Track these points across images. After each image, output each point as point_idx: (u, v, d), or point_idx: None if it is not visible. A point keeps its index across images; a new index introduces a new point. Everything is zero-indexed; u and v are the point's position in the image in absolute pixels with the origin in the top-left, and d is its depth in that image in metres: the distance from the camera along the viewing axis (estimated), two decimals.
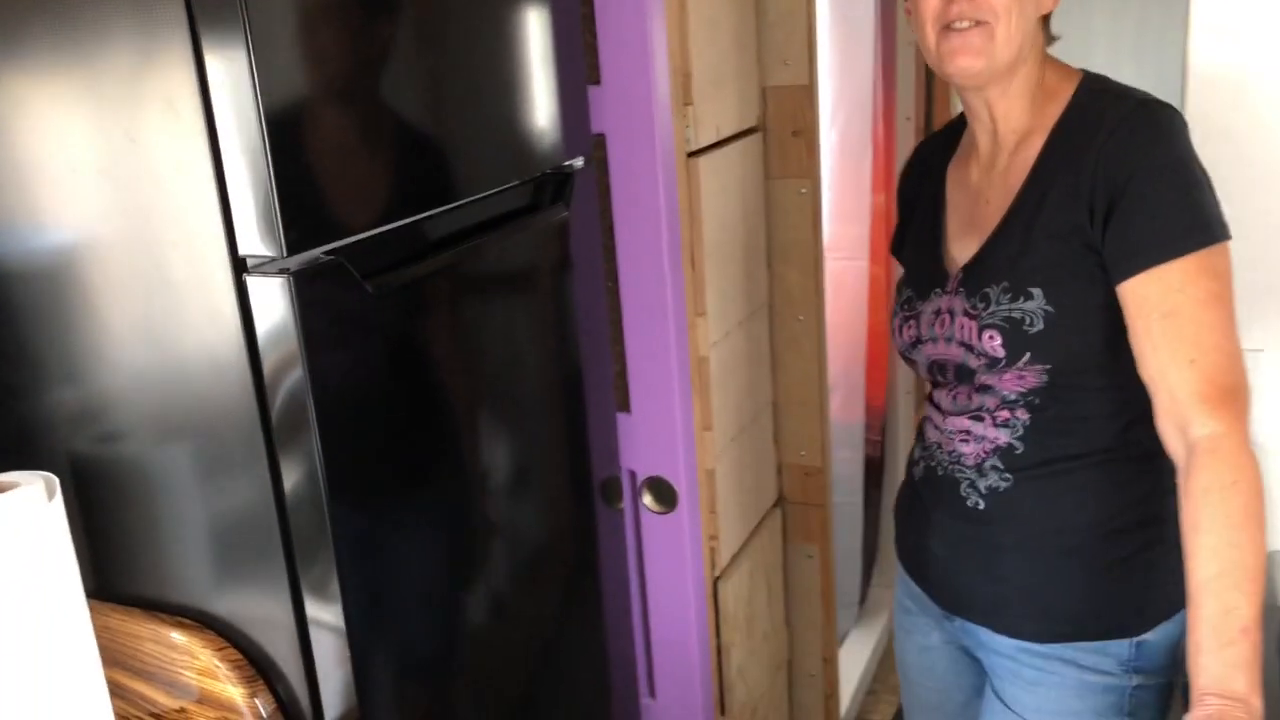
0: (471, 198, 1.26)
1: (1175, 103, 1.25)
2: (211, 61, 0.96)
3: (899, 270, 1.49)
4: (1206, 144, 1.22)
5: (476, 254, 1.29)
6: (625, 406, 1.72)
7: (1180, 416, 1.13)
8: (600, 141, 1.58)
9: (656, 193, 1.60)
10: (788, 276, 2.08)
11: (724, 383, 1.86)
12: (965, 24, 1.21)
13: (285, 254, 1.00)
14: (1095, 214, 1.17)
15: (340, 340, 1.09)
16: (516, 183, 1.36)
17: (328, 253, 1.06)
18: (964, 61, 1.22)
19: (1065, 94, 1.26)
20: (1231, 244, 1.16)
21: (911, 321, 1.37)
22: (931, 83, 2.84)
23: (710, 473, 1.82)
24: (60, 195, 1.09)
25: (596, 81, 1.56)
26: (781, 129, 2.00)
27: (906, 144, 2.82)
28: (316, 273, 1.04)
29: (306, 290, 1.02)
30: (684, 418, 1.72)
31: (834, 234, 2.67)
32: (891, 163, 2.80)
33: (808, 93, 1.97)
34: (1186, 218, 1.14)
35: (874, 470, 2.99)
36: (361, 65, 1.11)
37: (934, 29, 1.24)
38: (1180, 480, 1.13)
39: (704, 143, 1.74)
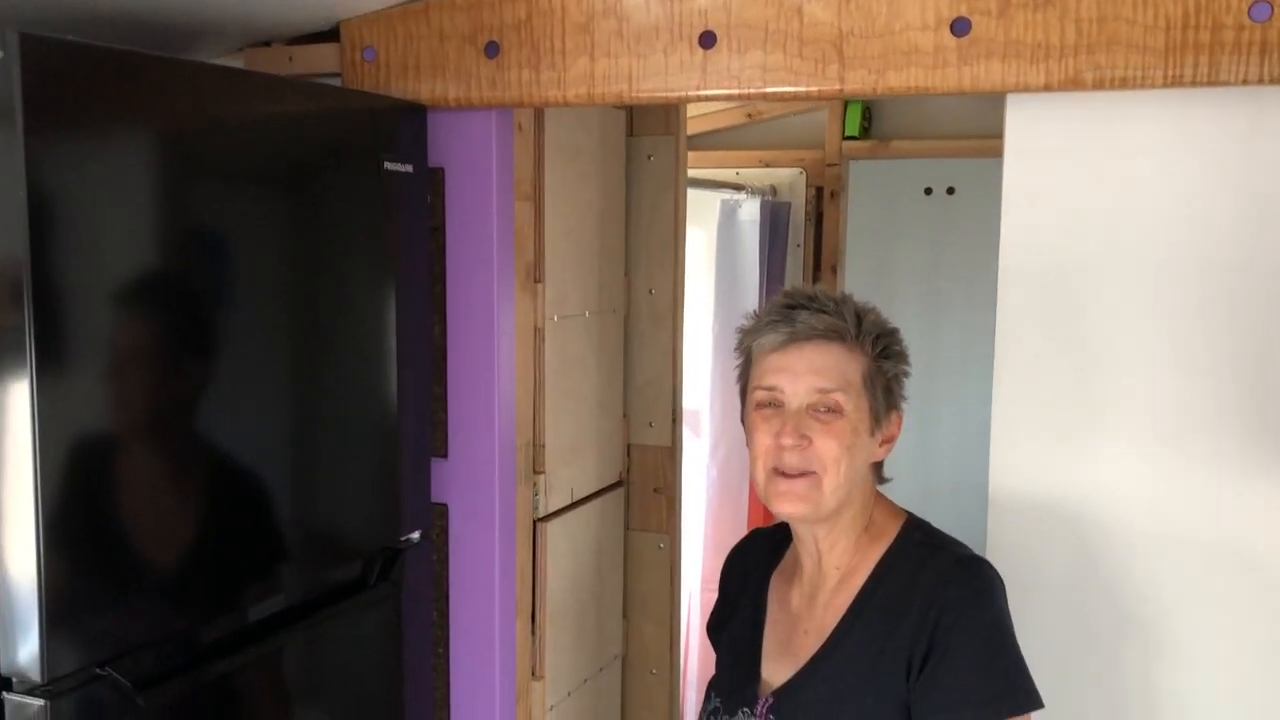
0: (281, 599, 1.27)
1: None
2: None
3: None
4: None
5: (286, 647, 1.29)
6: None
7: None
8: (443, 511, 1.62)
9: (493, 561, 1.62)
10: (643, 628, 2.08)
11: None
12: (794, 471, 1.25)
13: (46, 680, 0.99)
14: (912, 670, 1.20)
15: None
16: (337, 569, 1.38)
17: (100, 666, 1.05)
18: (788, 508, 1.26)
19: (889, 535, 1.30)
20: None
21: None
22: None
23: None
24: None
25: (444, 455, 1.61)
26: (644, 485, 2.07)
27: None
28: (82, 693, 1.03)
29: (67, 712, 1.01)
30: None
31: (708, 568, 2.70)
32: None
33: (670, 454, 2.05)
34: (998, 683, 1.17)
35: None
36: (161, 462, 1.14)
37: (764, 468, 1.27)
38: None
39: (555, 508, 1.78)
